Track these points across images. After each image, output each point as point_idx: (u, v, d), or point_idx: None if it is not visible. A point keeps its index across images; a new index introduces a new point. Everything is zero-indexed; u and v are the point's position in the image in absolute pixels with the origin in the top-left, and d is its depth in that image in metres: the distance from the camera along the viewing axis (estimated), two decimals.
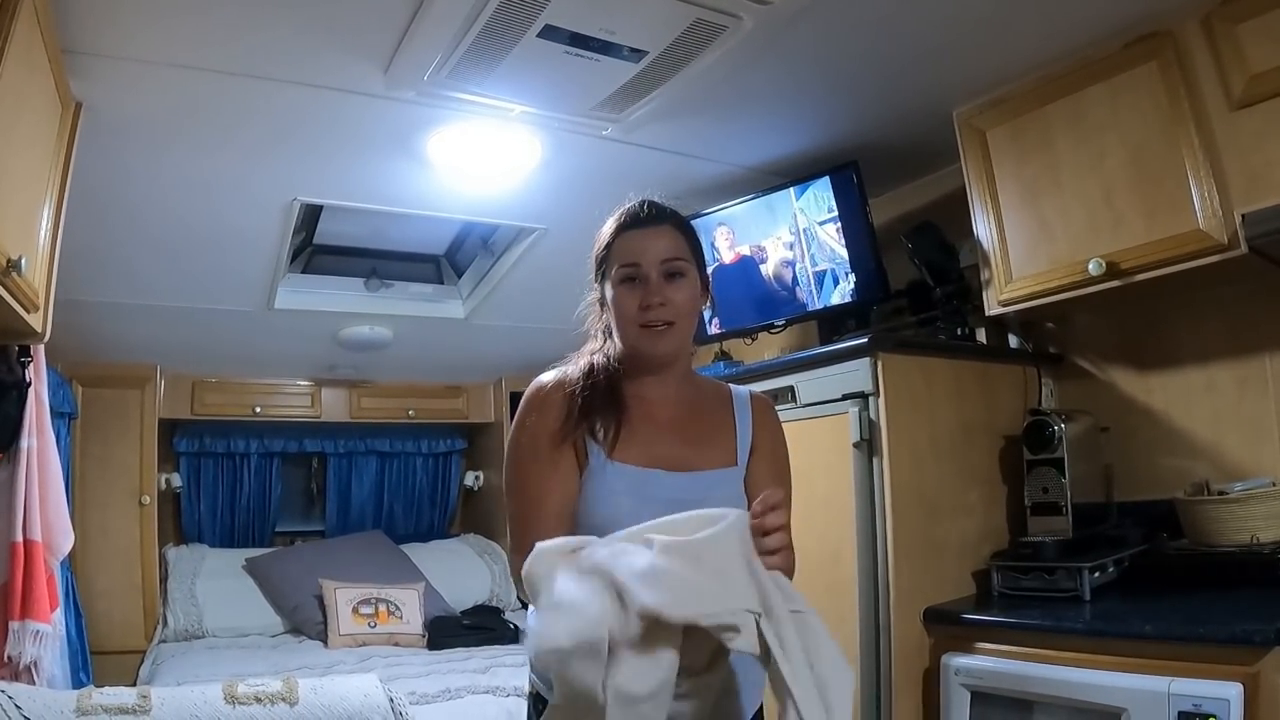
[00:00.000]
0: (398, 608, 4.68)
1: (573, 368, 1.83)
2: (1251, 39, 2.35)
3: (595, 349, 1.86)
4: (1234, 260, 2.40)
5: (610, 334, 1.84)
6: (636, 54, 2.63)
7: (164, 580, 4.75)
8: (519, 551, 1.61)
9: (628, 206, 1.84)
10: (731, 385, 1.96)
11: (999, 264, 2.93)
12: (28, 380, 2.73)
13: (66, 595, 3.61)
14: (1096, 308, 2.99)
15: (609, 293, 1.79)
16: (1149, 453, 2.93)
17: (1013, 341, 3.21)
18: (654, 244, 1.77)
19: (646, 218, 1.81)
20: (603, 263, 1.82)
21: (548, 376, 1.82)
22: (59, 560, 3.02)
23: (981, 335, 3.17)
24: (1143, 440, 2.95)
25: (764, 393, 2.01)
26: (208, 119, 2.92)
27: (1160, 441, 2.91)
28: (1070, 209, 2.76)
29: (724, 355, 3.77)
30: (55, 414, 3.43)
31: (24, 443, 2.74)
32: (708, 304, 1.92)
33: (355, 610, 4.57)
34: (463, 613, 4.98)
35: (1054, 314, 3.12)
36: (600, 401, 1.75)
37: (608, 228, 1.84)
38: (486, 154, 3.24)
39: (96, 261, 3.61)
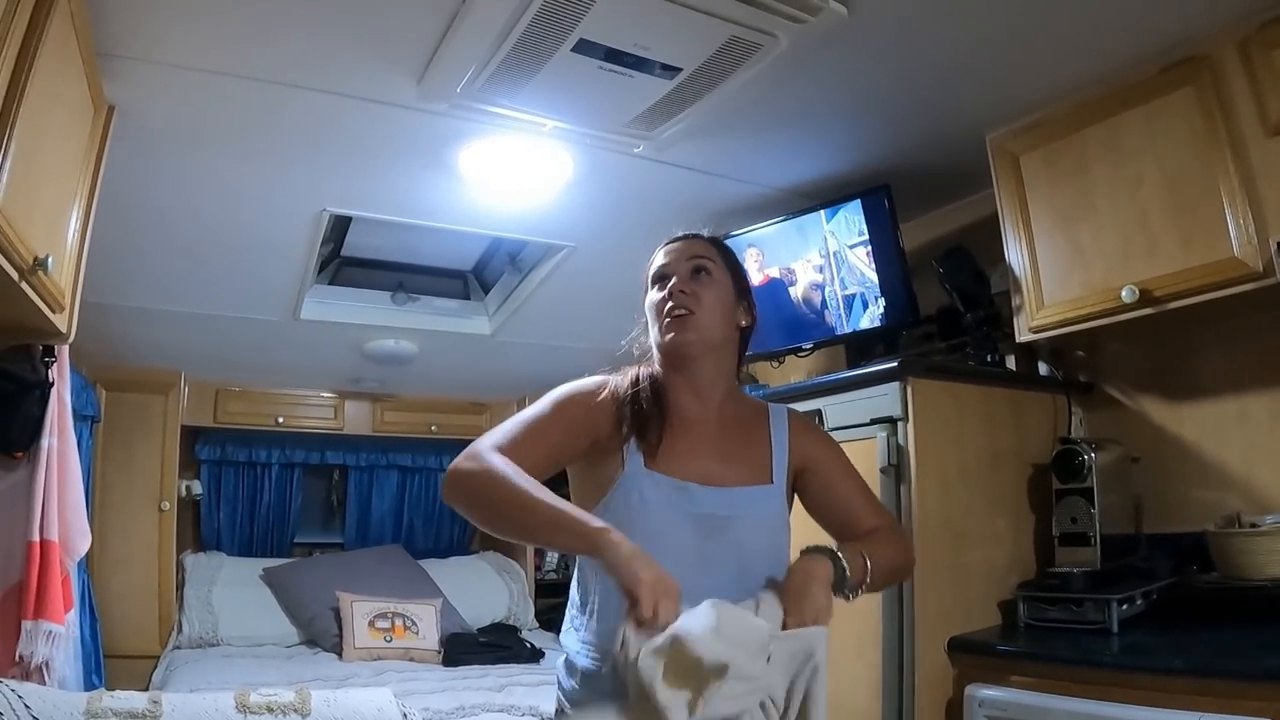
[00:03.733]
0: (414, 623, 4.67)
1: (619, 377, 1.85)
2: None
3: (641, 362, 1.91)
4: (1268, 288, 2.37)
5: (645, 355, 1.91)
6: (670, 71, 2.63)
7: (181, 586, 4.76)
8: (478, 445, 1.65)
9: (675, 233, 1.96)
10: (772, 405, 1.96)
11: (1031, 290, 2.90)
12: (51, 380, 2.73)
13: (82, 597, 3.61)
14: (1128, 336, 2.95)
15: (646, 303, 1.88)
16: (1179, 484, 2.89)
17: (1042, 369, 3.17)
18: (685, 250, 1.88)
19: (683, 236, 1.92)
20: (647, 280, 1.91)
21: (596, 377, 1.86)
22: (75, 561, 3.02)
23: (1011, 362, 3.14)
24: (1173, 471, 2.91)
25: None
26: (239, 125, 2.93)
27: (1191, 473, 2.87)
28: (1104, 235, 2.73)
29: (750, 379, 3.75)
30: (78, 417, 3.44)
31: (44, 442, 2.74)
32: (749, 321, 1.94)
33: (371, 624, 4.56)
34: (479, 630, 4.98)
35: (1084, 342, 3.09)
36: (647, 409, 1.77)
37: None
38: (517, 169, 3.24)
39: (124, 265, 3.63)
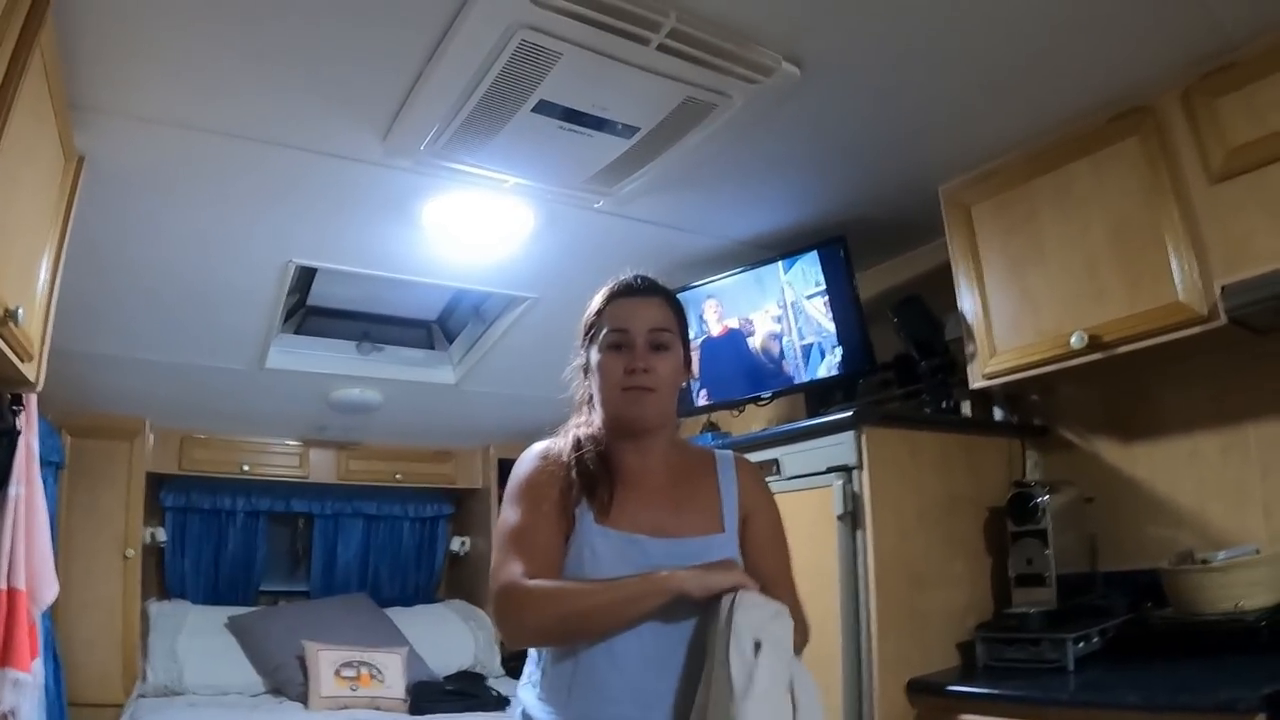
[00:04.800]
0: (380, 671, 4.63)
1: (560, 441, 1.86)
2: (1230, 112, 2.41)
3: (579, 423, 1.89)
4: (1215, 330, 2.43)
5: (592, 404, 1.88)
6: (629, 130, 2.69)
7: (145, 635, 4.68)
8: (511, 585, 1.66)
9: (621, 277, 1.90)
10: (716, 450, 1.97)
11: (983, 337, 2.96)
12: (18, 429, 2.72)
13: (46, 645, 3.56)
14: (1081, 379, 2.99)
15: (594, 358, 1.83)
16: (1134, 522, 2.93)
17: (998, 413, 3.21)
18: (644, 313, 1.83)
19: (639, 288, 1.88)
20: (591, 329, 1.87)
21: (539, 446, 1.86)
22: (42, 610, 3.00)
23: (967, 408, 3.18)
24: (1127, 510, 2.95)
25: None
26: (206, 178, 2.95)
27: (1145, 511, 2.92)
28: (1054, 282, 2.80)
29: (712, 426, 3.79)
30: (43, 463, 3.41)
31: (12, 490, 2.72)
32: (689, 379, 1.96)
33: (337, 672, 4.52)
34: (446, 678, 4.93)
35: (1038, 386, 3.14)
36: (592, 470, 1.78)
37: (600, 296, 1.90)
38: (480, 223, 3.28)
39: (91, 313, 3.61)
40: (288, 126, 2.71)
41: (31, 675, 2.76)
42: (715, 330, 3.62)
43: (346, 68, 2.43)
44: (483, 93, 2.45)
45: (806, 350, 3.36)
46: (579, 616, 1.63)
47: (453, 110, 2.56)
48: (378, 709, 4.44)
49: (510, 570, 1.67)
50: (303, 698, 4.45)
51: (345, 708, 4.38)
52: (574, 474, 1.78)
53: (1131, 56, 2.49)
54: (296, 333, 4.51)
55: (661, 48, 2.31)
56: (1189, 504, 2.83)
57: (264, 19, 2.23)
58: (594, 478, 1.77)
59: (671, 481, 1.85)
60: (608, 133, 2.69)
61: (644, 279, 1.90)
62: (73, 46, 2.26)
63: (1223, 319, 2.39)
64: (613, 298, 1.87)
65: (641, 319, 1.82)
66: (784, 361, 3.44)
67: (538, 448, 1.86)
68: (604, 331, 1.83)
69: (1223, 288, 2.37)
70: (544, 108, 2.54)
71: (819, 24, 2.33)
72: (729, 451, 1.99)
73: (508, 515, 1.77)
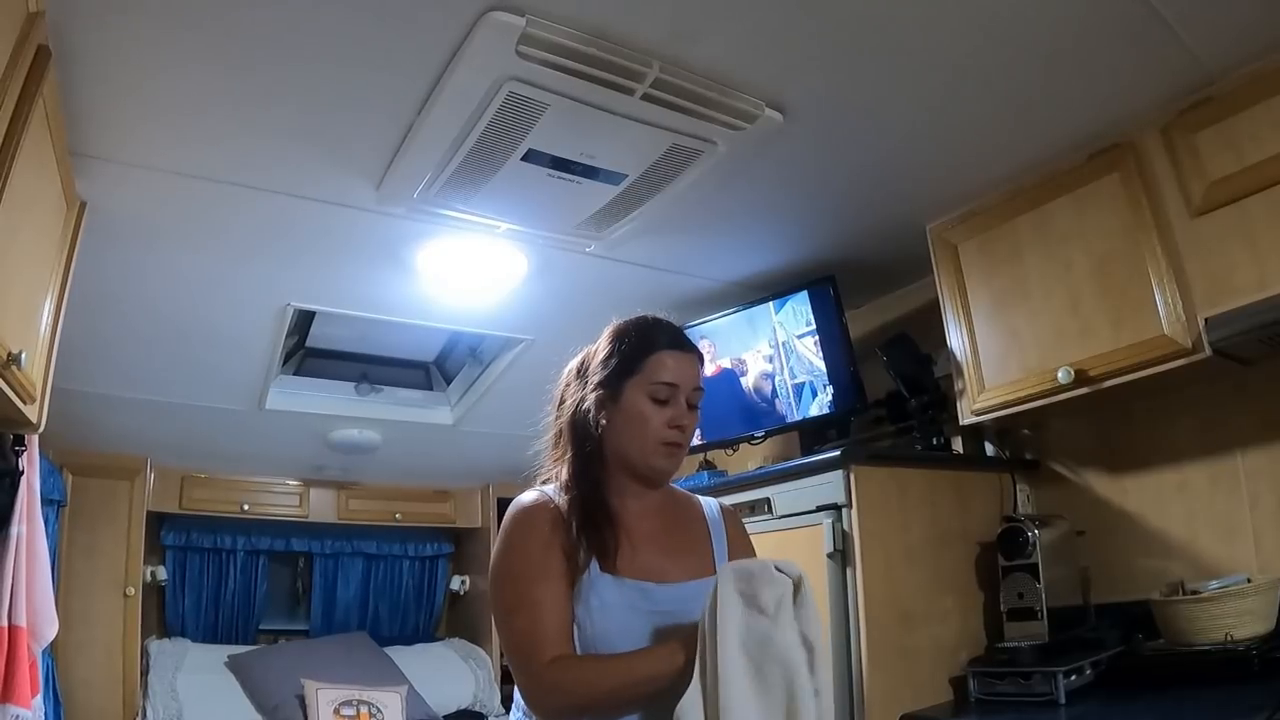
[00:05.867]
0: (380, 710, 4.63)
1: (552, 489, 1.84)
2: (1209, 147, 2.44)
3: (567, 467, 1.86)
4: (1200, 362, 2.45)
5: (584, 443, 1.85)
6: (617, 176, 2.73)
7: (145, 673, 4.67)
8: (535, 670, 1.65)
9: (660, 323, 1.91)
10: (700, 497, 2.00)
11: (971, 374, 2.99)
12: (21, 469, 2.75)
13: (47, 682, 3.57)
14: (1070, 412, 3.00)
15: (631, 401, 1.81)
16: (1125, 554, 2.95)
17: (989, 449, 3.24)
18: (692, 370, 1.85)
19: (687, 344, 1.88)
20: (630, 370, 1.83)
21: (529, 499, 1.82)
22: (42, 647, 3.02)
23: (958, 443, 3.21)
24: (1118, 542, 2.97)
25: (741, 504, 2.06)
26: (206, 224, 2.99)
27: (1135, 543, 2.93)
28: (1039, 318, 2.83)
29: (708, 465, 3.82)
30: (45, 501, 3.42)
31: (14, 529, 2.74)
32: None
33: (337, 711, 4.51)
34: (445, 717, 4.93)
35: (1029, 420, 3.15)
36: (595, 517, 1.76)
37: (638, 336, 1.86)
38: (474, 267, 3.32)
39: (92, 353, 3.64)
40: (283, 174, 2.75)
41: (32, 712, 2.78)
42: (708, 370, 3.63)
43: (341, 118, 2.48)
44: (473, 143, 2.50)
45: (798, 389, 3.39)
46: (602, 698, 1.62)
47: (444, 159, 2.60)
48: None
49: (532, 654, 1.66)
50: None
51: None
52: (577, 527, 1.74)
53: (1111, 94, 2.53)
54: (295, 374, 4.55)
55: (646, 97, 2.35)
56: (1179, 535, 2.85)
57: (259, 71, 2.28)
58: (600, 530, 1.75)
59: (664, 526, 1.87)
60: (596, 179, 2.74)
61: (683, 331, 1.92)
62: (73, 96, 2.30)
63: (1207, 351, 2.42)
64: (664, 347, 1.84)
65: (690, 377, 1.84)
66: (777, 400, 3.48)
67: (527, 501, 1.82)
68: (651, 381, 1.81)
69: (1206, 320, 2.40)
70: (533, 156, 2.58)
71: (800, 70, 2.37)
72: (714, 500, 2.02)
73: (516, 588, 1.73)
